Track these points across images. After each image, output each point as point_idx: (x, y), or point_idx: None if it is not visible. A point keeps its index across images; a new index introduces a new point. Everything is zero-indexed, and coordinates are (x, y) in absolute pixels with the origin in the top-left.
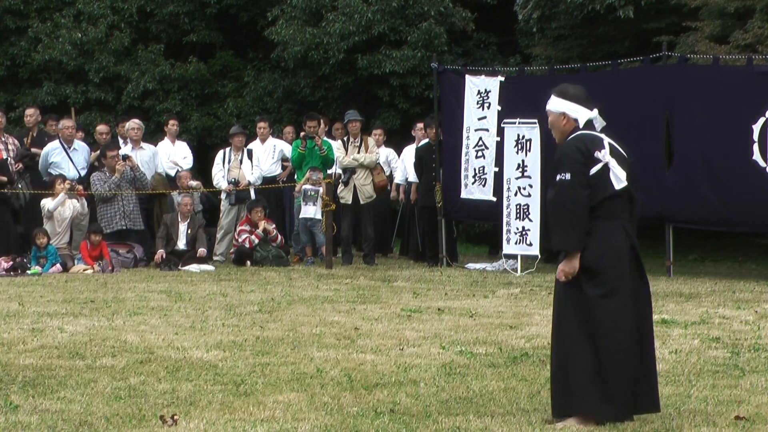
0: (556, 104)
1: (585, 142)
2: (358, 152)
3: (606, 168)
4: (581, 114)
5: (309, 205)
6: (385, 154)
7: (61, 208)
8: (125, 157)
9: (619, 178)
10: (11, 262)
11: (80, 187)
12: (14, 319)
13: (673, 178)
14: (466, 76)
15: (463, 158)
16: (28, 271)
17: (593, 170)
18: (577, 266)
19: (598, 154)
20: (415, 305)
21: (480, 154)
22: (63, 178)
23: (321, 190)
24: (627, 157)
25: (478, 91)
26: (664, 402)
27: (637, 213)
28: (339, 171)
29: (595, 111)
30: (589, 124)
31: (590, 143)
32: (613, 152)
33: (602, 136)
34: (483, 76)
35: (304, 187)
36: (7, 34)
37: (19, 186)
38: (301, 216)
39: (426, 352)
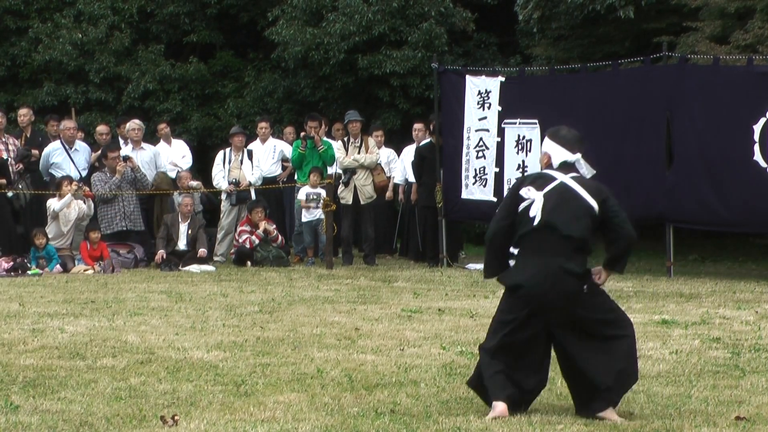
0: (544, 144)
1: (524, 180)
2: (359, 153)
3: (530, 205)
4: (558, 155)
5: (312, 209)
6: (385, 154)
7: (67, 209)
8: (126, 158)
9: (537, 215)
10: (12, 263)
11: (87, 189)
12: (15, 320)
13: (674, 179)
14: (467, 76)
15: (464, 158)
16: (29, 272)
17: (520, 207)
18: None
19: (522, 192)
20: (416, 306)
21: (480, 154)
22: (70, 179)
23: (323, 192)
24: (596, 193)
25: (479, 91)
26: (665, 402)
27: (620, 244)
28: (339, 171)
29: (578, 155)
30: (566, 165)
31: (528, 181)
32: (558, 192)
33: (557, 176)
34: (483, 77)
35: (306, 191)
36: (8, 35)
37: (20, 186)
38: (305, 220)
39: (426, 353)
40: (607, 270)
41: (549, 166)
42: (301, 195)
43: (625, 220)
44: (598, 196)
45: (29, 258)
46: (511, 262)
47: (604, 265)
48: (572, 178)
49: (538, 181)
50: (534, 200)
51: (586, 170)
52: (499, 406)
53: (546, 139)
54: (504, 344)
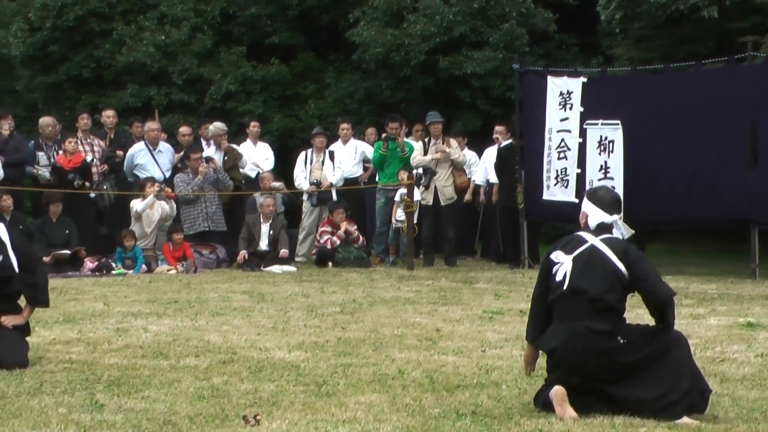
0: (583, 204)
1: (557, 243)
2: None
3: (559, 269)
4: (595, 216)
5: (400, 210)
6: (466, 155)
7: (150, 210)
8: (208, 159)
9: (564, 280)
10: (96, 263)
11: (169, 190)
12: (99, 319)
13: (758, 180)
14: (548, 77)
15: (545, 159)
16: (113, 272)
17: (553, 270)
18: (528, 355)
19: (553, 256)
20: (497, 307)
21: (562, 155)
22: (153, 180)
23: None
24: (624, 257)
25: (560, 92)
26: (750, 406)
27: (652, 308)
28: (419, 172)
29: (615, 217)
30: (603, 227)
31: (560, 245)
32: (587, 255)
33: (588, 238)
34: (565, 77)
35: (401, 191)
36: (92, 37)
37: (104, 187)
38: (401, 218)
39: (508, 354)
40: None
41: (587, 226)
42: (398, 197)
43: (654, 283)
44: (626, 260)
45: (114, 258)
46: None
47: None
48: (603, 240)
49: (569, 244)
50: (563, 264)
51: (624, 231)
52: (557, 391)
53: (585, 199)
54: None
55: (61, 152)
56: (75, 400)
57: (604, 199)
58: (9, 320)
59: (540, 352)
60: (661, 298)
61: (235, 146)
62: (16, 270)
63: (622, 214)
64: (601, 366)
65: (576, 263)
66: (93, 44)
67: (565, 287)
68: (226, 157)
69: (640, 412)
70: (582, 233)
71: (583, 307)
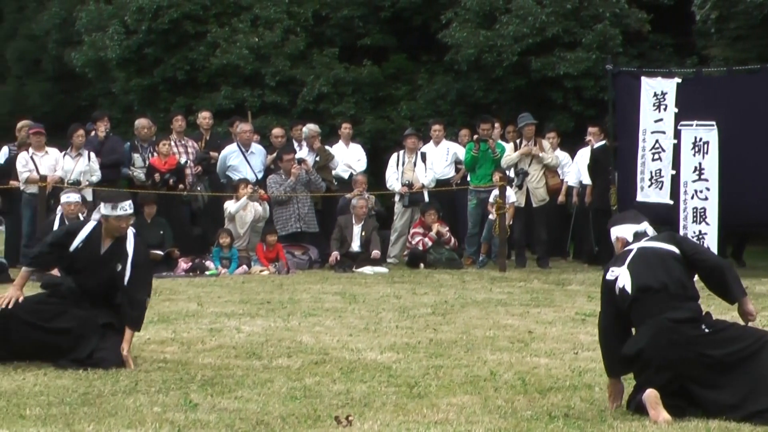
0: (612, 234)
1: (606, 267)
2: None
3: (617, 280)
4: (628, 231)
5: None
6: (558, 157)
7: (243, 211)
8: (300, 161)
9: (628, 285)
10: (190, 263)
11: (262, 191)
12: (193, 319)
13: None
14: (642, 77)
15: (639, 161)
16: (207, 272)
17: (615, 289)
18: (612, 391)
19: (608, 276)
20: (590, 309)
21: (656, 156)
22: (246, 182)
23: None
24: (670, 239)
25: (654, 93)
26: None
27: (715, 274)
28: (510, 175)
29: (645, 222)
30: (639, 234)
31: (610, 265)
32: (638, 256)
33: (632, 246)
34: (659, 78)
35: (492, 194)
36: (187, 39)
37: (198, 188)
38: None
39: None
40: (740, 301)
41: (626, 243)
42: (491, 198)
43: (706, 251)
44: (672, 240)
45: (210, 258)
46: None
47: (735, 303)
48: (645, 240)
49: (617, 260)
50: (620, 275)
51: (652, 232)
52: (650, 394)
53: (610, 230)
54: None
55: (155, 154)
56: (169, 399)
57: (624, 217)
58: (124, 347)
59: (623, 386)
60: (717, 262)
61: (328, 147)
62: (125, 283)
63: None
64: (689, 360)
65: (632, 267)
66: (187, 46)
67: (632, 292)
68: (317, 158)
69: (731, 416)
70: (623, 250)
71: (657, 301)
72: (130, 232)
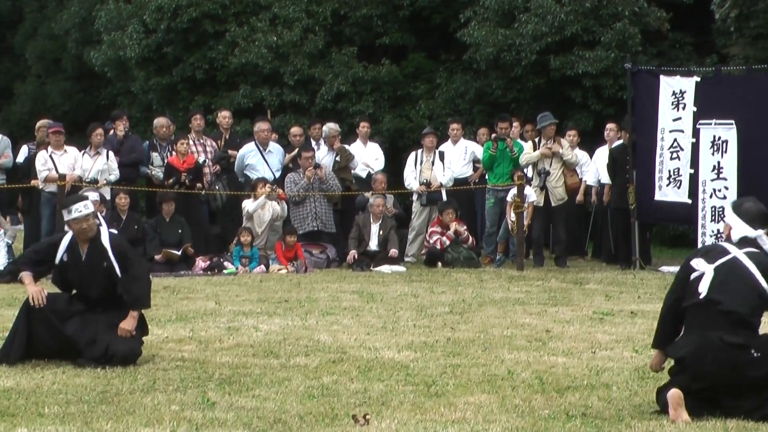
0: (727, 215)
1: (698, 251)
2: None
3: (699, 277)
4: (739, 229)
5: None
6: (577, 156)
7: (261, 210)
8: (317, 166)
9: (704, 288)
10: (208, 262)
11: (281, 191)
12: (211, 318)
13: None
14: (661, 76)
15: (657, 160)
16: (225, 271)
17: (691, 277)
18: (656, 362)
19: (693, 263)
20: (608, 308)
21: (675, 155)
22: (265, 181)
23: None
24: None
25: (673, 91)
26: None
27: None
28: (527, 174)
29: (760, 231)
30: (746, 240)
31: (701, 252)
32: (729, 267)
33: (731, 250)
34: (678, 77)
35: (511, 192)
36: (206, 38)
37: (216, 187)
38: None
39: (618, 356)
40: None
41: (729, 238)
42: (510, 197)
43: None
44: (766, 275)
45: (230, 256)
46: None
47: None
48: (746, 253)
49: (711, 253)
50: (704, 273)
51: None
52: (674, 393)
53: (729, 210)
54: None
55: (174, 153)
56: (187, 397)
57: (749, 212)
58: (124, 325)
59: (665, 358)
60: None
61: (347, 147)
62: (119, 274)
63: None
64: (728, 379)
65: (717, 273)
66: (206, 46)
67: (702, 296)
68: (338, 157)
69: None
70: (724, 244)
71: (718, 318)
72: (101, 228)
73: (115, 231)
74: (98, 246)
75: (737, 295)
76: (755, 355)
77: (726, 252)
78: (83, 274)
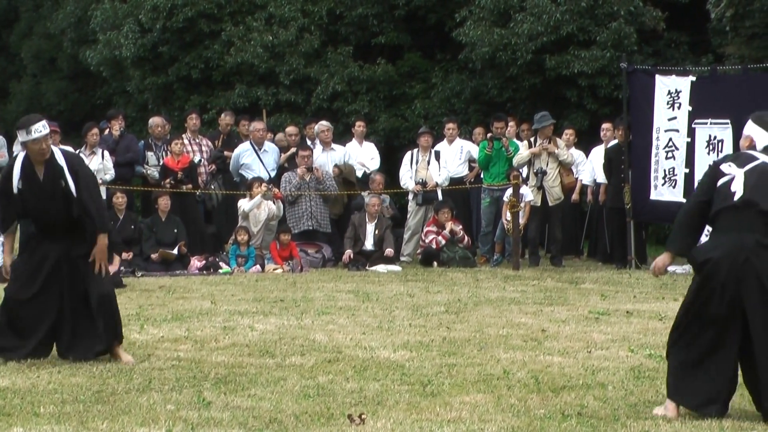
0: (747, 127)
1: (725, 158)
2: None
3: (730, 180)
4: (762, 138)
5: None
6: (573, 155)
7: (257, 210)
8: (310, 169)
9: (739, 190)
10: (204, 262)
11: (277, 190)
12: (207, 318)
13: None
14: (656, 76)
15: (653, 159)
16: (220, 270)
17: (719, 182)
18: (661, 263)
19: (723, 167)
20: (603, 307)
21: (670, 154)
22: (260, 180)
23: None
24: None
25: (669, 91)
26: None
27: None
28: (522, 174)
29: None
30: None
31: (730, 158)
32: (760, 171)
33: (759, 156)
34: (673, 76)
35: (507, 192)
36: (202, 38)
37: (212, 187)
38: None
39: (614, 355)
40: None
41: (752, 147)
42: (506, 197)
43: None
44: None
45: (225, 255)
46: (703, 239)
47: None
48: None
49: (740, 159)
50: (735, 176)
51: None
52: (670, 407)
53: (750, 122)
54: (692, 335)
55: (169, 153)
56: (183, 397)
57: None
58: (99, 256)
59: (671, 262)
60: None
61: (351, 163)
62: (75, 194)
63: None
64: (753, 287)
65: (749, 177)
66: (202, 45)
67: (736, 198)
68: (339, 171)
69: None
70: (750, 151)
71: (755, 220)
72: (56, 148)
73: (68, 148)
74: (55, 166)
75: None
76: None
77: (754, 158)
78: (42, 197)
